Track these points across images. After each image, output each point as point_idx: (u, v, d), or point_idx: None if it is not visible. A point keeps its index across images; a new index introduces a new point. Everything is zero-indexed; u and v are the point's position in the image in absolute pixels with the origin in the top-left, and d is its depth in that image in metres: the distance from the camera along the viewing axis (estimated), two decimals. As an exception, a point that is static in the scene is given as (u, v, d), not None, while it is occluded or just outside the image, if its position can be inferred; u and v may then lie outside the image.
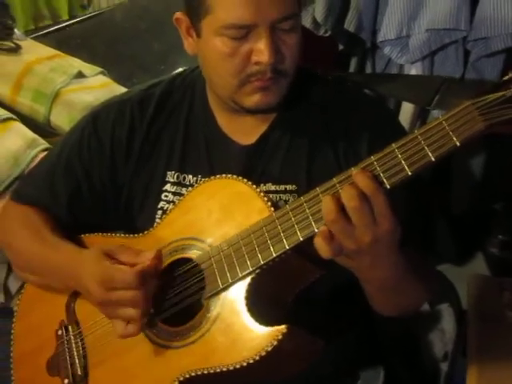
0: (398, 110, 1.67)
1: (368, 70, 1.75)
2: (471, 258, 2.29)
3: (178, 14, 1.15)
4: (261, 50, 1.06)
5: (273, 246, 1.00)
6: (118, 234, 1.24)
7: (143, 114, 1.24)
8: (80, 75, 2.02)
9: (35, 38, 2.35)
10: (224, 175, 1.10)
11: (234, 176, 1.09)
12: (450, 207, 1.76)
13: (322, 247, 0.93)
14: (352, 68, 1.78)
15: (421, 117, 1.61)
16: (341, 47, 1.80)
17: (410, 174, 0.92)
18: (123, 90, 2.09)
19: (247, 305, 1.01)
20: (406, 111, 1.63)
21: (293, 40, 1.09)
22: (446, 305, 1.71)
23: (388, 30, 1.61)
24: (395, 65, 1.68)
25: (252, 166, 1.19)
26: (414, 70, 1.63)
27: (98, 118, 1.27)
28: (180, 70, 1.32)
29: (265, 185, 1.17)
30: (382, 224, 0.93)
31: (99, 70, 2.11)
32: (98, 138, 1.25)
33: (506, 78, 0.90)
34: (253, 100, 1.11)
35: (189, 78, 1.27)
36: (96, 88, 2.00)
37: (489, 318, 1.34)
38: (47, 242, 1.22)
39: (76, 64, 2.05)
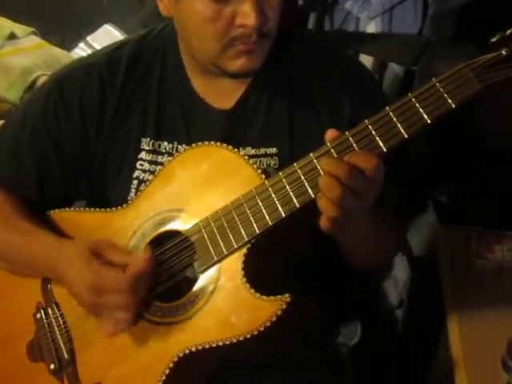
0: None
1: (326, 25, 1.73)
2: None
3: None
4: (246, 12, 1.01)
5: (268, 214, 0.98)
6: (93, 209, 1.17)
7: (113, 77, 1.16)
8: (12, 36, 1.89)
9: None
10: (207, 142, 1.06)
11: (218, 143, 1.05)
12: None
13: (329, 208, 0.92)
14: (311, 24, 1.75)
15: (378, 71, 1.61)
16: (300, 3, 1.76)
17: (406, 136, 0.92)
18: (59, 51, 1.99)
19: (245, 275, 0.99)
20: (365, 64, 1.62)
21: (276, 0, 1.05)
22: (399, 253, 1.76)
23: (351, -17, 1.59)
24: (353, 20, 1.67)
25: (231, 130, 1.15)
26: (372, 25, 1.63)
27: (63, 84, 1.18)
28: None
29: (244, 149, 1.14)
30: (377, 186, 0.94)
31: (31, 29, 1.98)
32: (65, 106, 1.17)
33: (494, 39, 0.92)
34: (237, 64, 1.07)
35: (158, 38, 1.20)
36: (31, 50, 1.89)
37: (460, 267, 1.38)
38: (20, 230, 1.15)
39: (6, 24, 1.92)
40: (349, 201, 0.91)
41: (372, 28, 1.64)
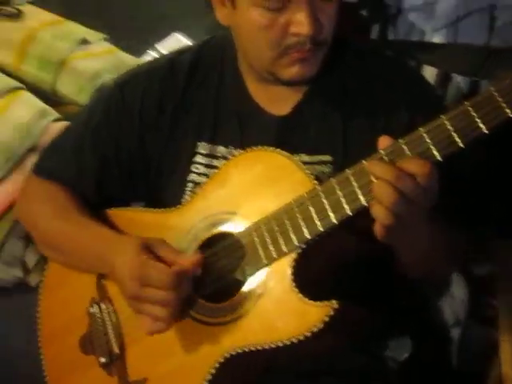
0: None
1: (390, 37, 1.72)
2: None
3: None
4: (300, 21, 1.02)
5: (320, 220, 0.98)
6: (147, 208, 1.21)
7: (173, 83, 1.20)
8: (83, 41, 1.95)
9: (32, 3, 2.26)
10: (260, 147, 1.07)
11: (272, 148, 1.06)
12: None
13: (382, 215, 0.91)
14: (373, 35, 1.75)
15: (442, 83, 1.58)
16: (364, 13, 1.76)
17: (462, 146, 0.91)
18: (128, 57, 2.05)
19: (294, 280, 0.99)
20: (428, 77, 1.60)
21: (331, 9, 1.06)
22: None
23: (415, -5, 1.58)
24: (417, 32, 1.65)
25: (285, 136, 1.16)
26: (437, 37, 1.61)
27: (125, 87, 1.22)
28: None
29: (298, 155, 1.14)
30: (431, 194, 0.92)
31: (102, 36, 2.05)
32: (125, 109, 1.21)
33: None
34: (291, 72, 1.08)
35: (218, 46, 1.23)
36: (101, 55, 1.95)
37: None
38: (75, 221, 1.19)
39: (79, 30, 1.99)
40: (401, 206, 0.90)
41: (437, 40, 1.62)
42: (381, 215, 0.91)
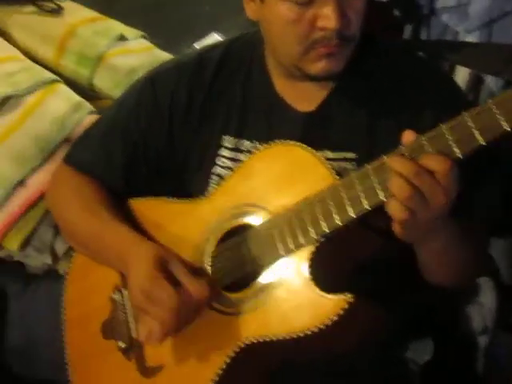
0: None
1: (423, 37, 1.71)
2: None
3: None
4: (327, 15, 1.03)
5: (338, 214, 0.98)
6: (172, 198, 1.23)
7: (202, 77, 1.22)
8: (122, 38, 1.98)
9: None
10: (285, 141, 1.08)
11: (296, 142, 1.07)
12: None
13: (397, 209, 0.91)
14: (406, 35, 1.74)
15: (474, 85, 1.57)
16: (396, 13, 1.76)
17: (483, 143, 0.90)
18: (165, 54, 2.06)
19: (311, 273, 1.00)
20: (460, 80, 1.59)
21: (359, 4, 1.06)
22: (486, 279, 1.70)
23: (448, -4, 1.57)
24: (451, 32, 1.64)
25: (310, 132, 1.16)
26: (470, 39, 1.59)
27: (155, 82, 1.25)
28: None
29: (323, 152, 1.14)
30: (449, 191, 0.92)
31: (140, 33, 2.07)
32: (155, 102, 1.23)
33: None
34: (318, 67, 1.08)
35: (247, 42, 1.25)
36: (138, 52, 1.97)
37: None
38: (99, 217, 1.21)
39: (117, 27, 2.02)
40: (416, 202, 0.90)
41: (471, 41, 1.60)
42: (395, 210, 0.92)
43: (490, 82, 1.57)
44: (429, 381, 1.32)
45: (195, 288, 1.04)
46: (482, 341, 1.75)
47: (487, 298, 1.76)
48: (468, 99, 1.26)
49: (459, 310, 1.75)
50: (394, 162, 0.92)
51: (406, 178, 0.90)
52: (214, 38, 2.46)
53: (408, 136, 0.94)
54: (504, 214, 1.21)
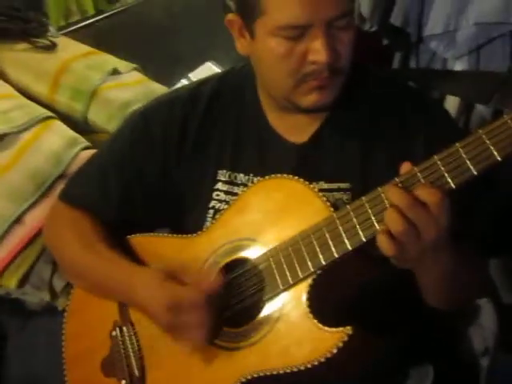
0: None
1: (412, 65, 1.73)
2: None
3: (230, 16, 1.13)
4: (317, 49, 1.04)
5: (335, 246, 1.00)
6: (169, 234, 1.24)
7: (194, 112, 1.23)
8: (115, 72, 2.00)
9: (66, 35, 2.34)
10: (279, 175, 1.10)
11: (290, 175, 1.08)
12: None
13: (386, 245, 0.93)
14: (396, 63, 1.76)
15: (465, 113, 1.59)
16: (385, 42, 1.78)
17: (475, 173, 0.91)
18: (158, 86, 2.08)
19: (309, 306, 1.00)
20: (451, 107, 1.61)
21: (348, 37, 1.08)
22: (485, 300, 1.70)
23: (435, 23, 1.59)
24: (439, 59, 1.66)
25: (304, 164, 1.18)
26: (458, 65, 1.61)
27: (148, 117, 1.26)
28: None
29: (317, 183, 1.15)
30: (441, 223, 0.93)
31: (133, 66, 2.09)
32: (149, 137, 1.24)
33: None
34: (309, 99, 1.10)
35: (238, 76, 1.26)
36: (132, 85, 1.99)
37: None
38: (97, 251, 1.21)
39: (110, 60, 2.03)
40: (409, 236, 0.91)
41: (459, 68, 1.62)
42: (384, 244, 0.93)
43: (481, 107, 1.59)
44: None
45: (210, 280, 1.06)
46: (484, 362, 1.75)
47: (487, 318, 1.76)
48: (459, 128, 1.28)
49: (460, 332, 1.75)
50: (390, 193, 0.94)
51: (400, 210, 0.91)
52: (209, 67, 2.48)
53: (406, 167, 0.96)
54: (500, 234, 1.22)
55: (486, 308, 1.75)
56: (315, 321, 0.99)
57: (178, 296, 1.06)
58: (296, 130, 1.19)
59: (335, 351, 0.96)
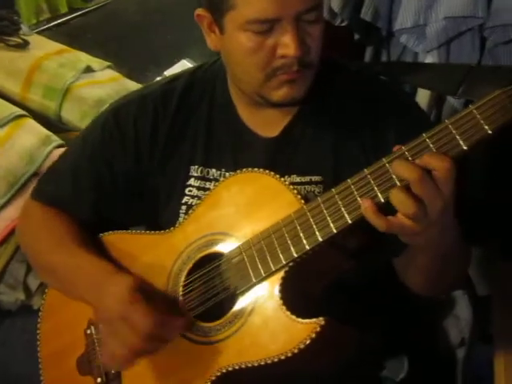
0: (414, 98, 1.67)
1: (383, 58, 1.75)
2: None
3: (200, 11, 1.13)
4: (287, 43, 1.05)
5: (306, 238, 1.00)
6: (144, 231, 1.23)
7: (166, 108, 1.23)
8: (88, 69, 2.00)
9: (39, 33, 2.33)
10: (250, 169, 1.10)
11: (261, 170, 1.09)
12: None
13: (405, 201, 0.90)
14: (367, 57, 1.77)
15: (436, 105, 1.60)
16: (356, 36, 1.79)
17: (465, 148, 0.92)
18: (132, 83, 2.08)
19: (282, 298, 1.01)
20: (422, 99, 1.63)
21: (317, 31, 1.08)
22: (461, 292, 1.72)
23: (405, 18, 1.60)
24: (410, 53, 1.68)
25: (276, 158, 1.18)
26: (429, 58, 1.63)
27: (118, 114, 1.25)
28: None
29: (289, 176, 1.16)
30: (446, 192, 0.91)
31: (107, 64, 2.09)
32: (120, 134, 1.24)
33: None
34: (279, 94, 1.10)
35: (209, 71, 1.26)
36: (105, 82, 1.99)
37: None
38: (72, 251, 1.20)
39: (84, 58, 2.04)
40: (417, 216, 0.90)
41: (430, 61, 1.64)
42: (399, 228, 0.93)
43: (452, 100, 1.60)
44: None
45: (173, 320, 1.04)
46: (460, 353, 1.77)
47: (463, 310, 1.78)
48: (429, 120, 1.29)
49: (436, 324, 1.77)
50: (399, 167, 0.92)
51: (409, 187, 0.90)
52: (185, 65, 2.48)
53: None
54: (474, 224, 1.23)
55: (462, 300, 1.78)
56: (288, 313, 0.99)
57: (135, 307, 1.03)
58: (267, 125, 1.19)
59: (308, 342, 0.96)
